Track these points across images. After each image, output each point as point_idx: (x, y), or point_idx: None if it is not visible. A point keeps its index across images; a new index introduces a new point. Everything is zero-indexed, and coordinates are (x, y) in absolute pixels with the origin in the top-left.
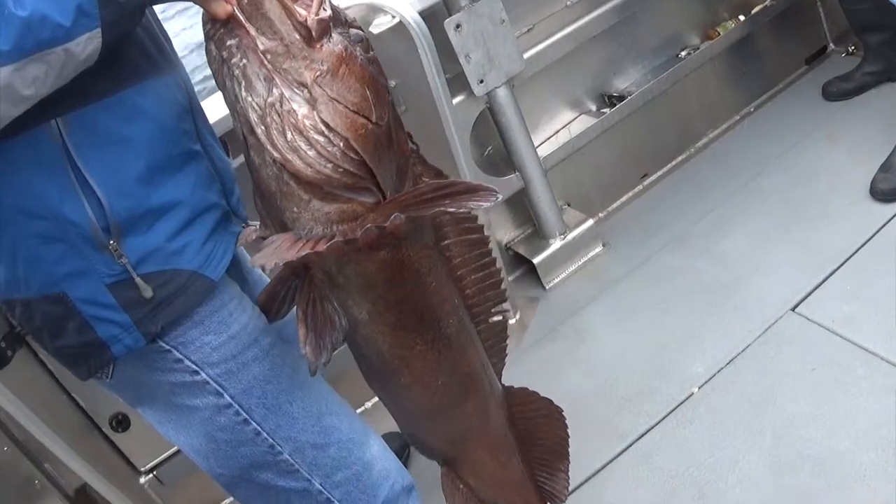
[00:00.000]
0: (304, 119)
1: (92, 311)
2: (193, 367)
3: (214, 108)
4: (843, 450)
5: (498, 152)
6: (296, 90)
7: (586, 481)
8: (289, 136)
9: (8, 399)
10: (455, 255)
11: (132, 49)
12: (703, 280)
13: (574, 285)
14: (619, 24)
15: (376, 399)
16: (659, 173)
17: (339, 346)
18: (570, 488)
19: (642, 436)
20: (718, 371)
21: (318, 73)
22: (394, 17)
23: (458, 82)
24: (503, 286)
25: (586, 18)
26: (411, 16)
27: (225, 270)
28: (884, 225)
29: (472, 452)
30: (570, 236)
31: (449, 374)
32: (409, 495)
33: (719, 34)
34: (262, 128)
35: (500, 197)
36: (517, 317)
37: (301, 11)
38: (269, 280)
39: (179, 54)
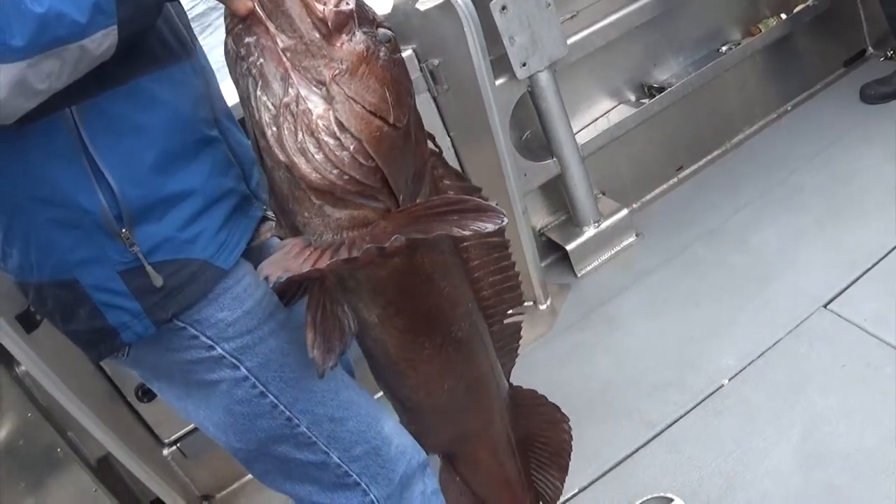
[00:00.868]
0: (317, 119)
1: (103, 298)
2: (209, 342)
3: (234, 91)
4: (870, 446)
5: (536, 137)
6: (313, 88)
7: (614, 468)
8: (299, 136)
9: (34, 364)
10: (474, 256)
11: (149, 38)
12: (735, 274)
13: (606, 274)
14: (662, 14)
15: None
16: (694, 166)
17: (348, 347)
18: (600, 473)
19: (671, 425)
20: (749, 364)
21: (336, 71)
22: None
23: (500, 64)
24: (520, 290)
25: (630, 7)
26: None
27: (239, 256)
28: None
29: (472, 451)
30: (604, 225)
31: (456, 378)
32: (424, 472)
33: (761, 31)
34: (274, 128)
35: (507, 220)
36: (548, 303)
37: (320, 7)
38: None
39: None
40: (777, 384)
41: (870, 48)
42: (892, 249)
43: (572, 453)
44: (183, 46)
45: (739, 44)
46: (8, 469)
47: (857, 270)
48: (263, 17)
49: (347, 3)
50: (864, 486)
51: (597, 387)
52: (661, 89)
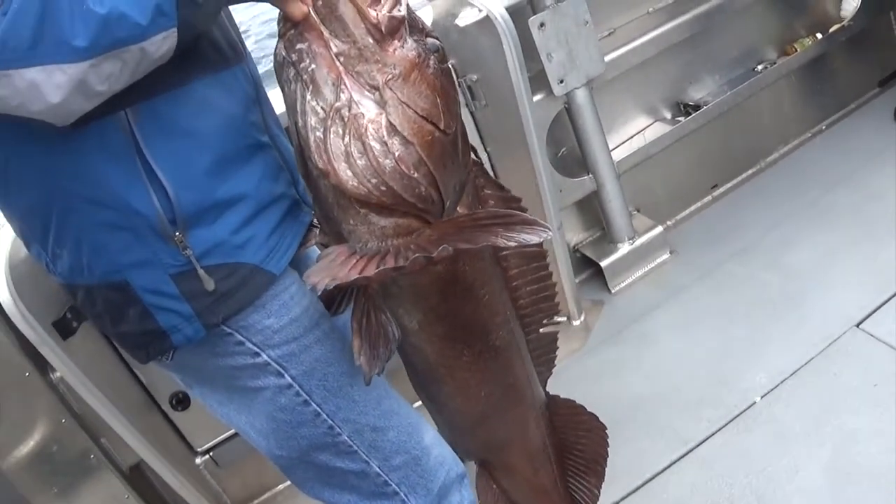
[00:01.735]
0: (368, 123)
1: (154, 301)
2: (255, 349)
3: (279, 97)
4: None
5: (572, 153)
6: (366, 93)
7: (645, 484)
8: (346, 140)
9: (70, 370)
10: (512, 265)
11: (203, 42)
12: (768, 292)
13: (640, 290)
14: (698, 34)
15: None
16: (729, 185)
17: (392, 354)
18: (630, 490)
19: (703, 441)
20: (781, 382)
21: (390, 76)
22: (481, 10)
23: (537, 81)
24: (557, 299)
25: (667, 26)
26: (499, 11)
27: (289, 262)
28: None
29: (508, 458)
30: (638, 242)
31: (493, 386)
32: (461, 483)
33: (796, 50)
34: (320, 133)
35: (551, 234)
36: (582, 319)
37: (373, 13)
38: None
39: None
40: (808, 402)
41: None
42: None
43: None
44: (234, 51)
45: (775, 63)
46: (41, 474)
47: (890, 290)
48: (317, 22)
49: (399, 10)
50: None
51: (629, 403)
52: (696, 107)
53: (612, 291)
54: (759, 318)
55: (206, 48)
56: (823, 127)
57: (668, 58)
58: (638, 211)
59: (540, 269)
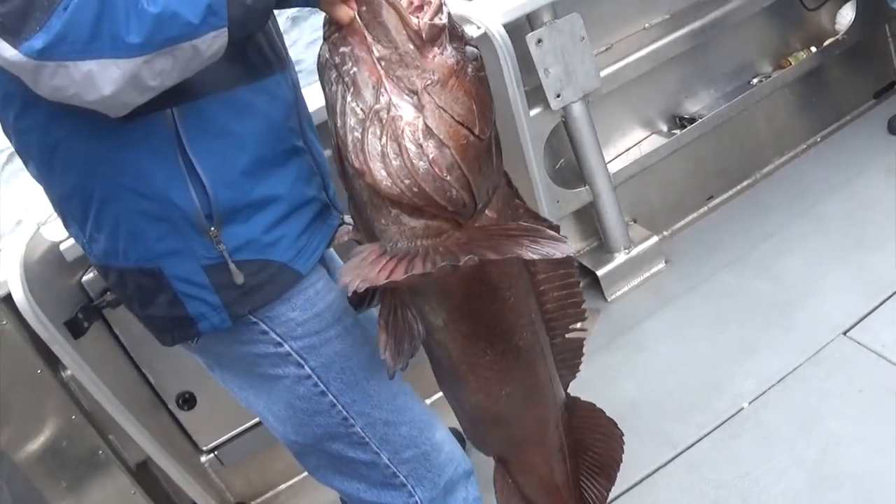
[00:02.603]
0: (405, 125)
1: (185, 289)
2: (278, 339)
3: (309, 100)
4: (883, 469)
5: (569, 165)
6: (405, 97)
7: (635, 486)
8: (382, 141)
9: (80, 368)
10: (540, 270)
11: (249, 48)
12: (759, 300)
13: (635, 299)
14: (694, 48)
15: (437, 396)
16: (724, 196)
17: (416, 351)
18: (619, 492)
19: (691, 446)
20: (769, 388)
21: (428, 81)
22: (479, 27)
23: (535, 95)
24: (584, 306)
25: (663, 41)
26: (497, 28)
27: (316, 262)
28: None
29: (525, 455)
30: (634, 251)
31: (514, 385)
32: (468, 479)
33: (791, 64)
34: (358, 133)
35: (573, 251)
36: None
37: (415, 20)
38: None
39: None
40: (795, 408)
41: None
42: None
43: None
44: (278, 57)
45: (770, 76)
46: (51, 468)
47: (878, 298)
48: (361, 27)
49: (440, 18)
50: None
51: (622, 408)
52: (692, 120)
53: (608, 300)
54: (749, 326)
55: (253, 55)
56: (818, 139)
57: (664, 72)
58: (634, 221)
59: (567, 276)
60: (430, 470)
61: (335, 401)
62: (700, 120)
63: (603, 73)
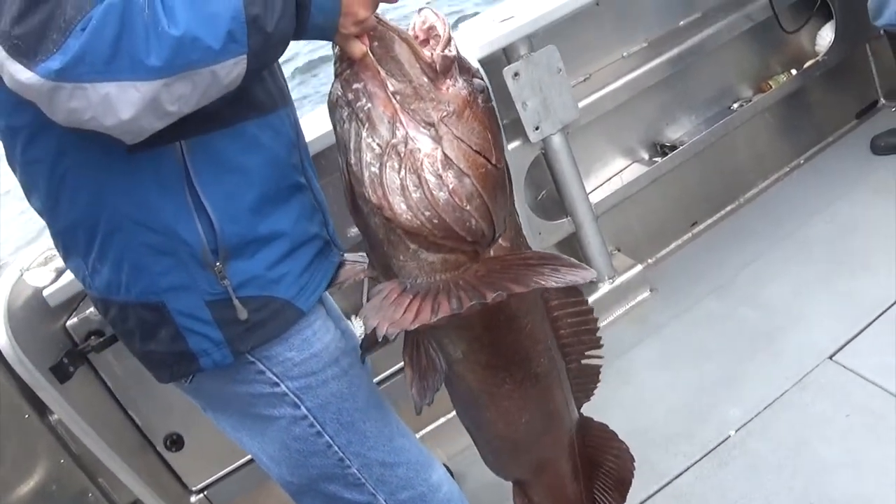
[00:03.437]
0: (424, 157)
1: (187, 324)
2: (275, 378)
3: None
4: (871, 493)
5: (551, 196)
6: (422, 129)
7: None
8: (402, 174)
9: (67, 413)
10: (552, 296)
11: (255, 85)
12: (744, 327)
13: (620, 328)
14: (673, 75)
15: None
16: (708, 222)
17: (441, 385)
18: None
19: (678, 475)
20: (756, 415)
21: (444, 113)
22: None
23: (514, 128)
24: (598, 334)
25: (642, 69)
26: (473, 63)
27: (317, 300)
28: None
29: (542, 478)
30: (618, 281)
31: (533, 412)
32: None
33: (772, 87)
34: (375, 169)
35: (594, 276)
36: None
37: (427, 53)
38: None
39: None
40: (782, 434)
41: (882, 99)
42: None
43: None
44: (281, 93)
45: (751, 100)
46: None
47: (862, 322)
48: (373, 62)
49: (450, 50)
50: None
51: None
52: (673, 147)
53: None
54: (735, 353)
55: (258, 91)
56: (801, 161)
57: (643, 100)
58: (618, 250)
59: (579, 304)
60: None
61: (331, 441)
62: (681, 147)
63: (582, 104)
